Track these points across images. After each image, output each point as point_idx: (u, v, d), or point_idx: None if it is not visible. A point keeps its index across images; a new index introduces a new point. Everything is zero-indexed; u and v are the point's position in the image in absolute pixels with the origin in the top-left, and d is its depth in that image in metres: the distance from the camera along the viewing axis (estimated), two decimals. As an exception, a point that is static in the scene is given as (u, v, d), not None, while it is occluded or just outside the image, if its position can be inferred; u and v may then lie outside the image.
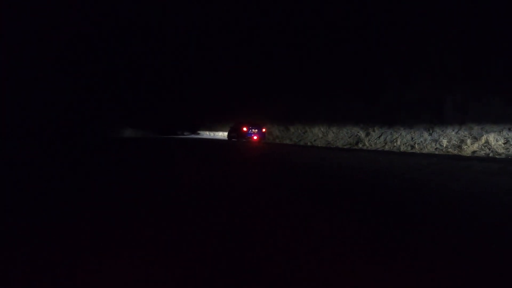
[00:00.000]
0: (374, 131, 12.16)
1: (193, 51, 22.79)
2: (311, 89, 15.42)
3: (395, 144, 10.87)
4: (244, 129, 14.62)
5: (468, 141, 9.19)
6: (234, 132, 15.88)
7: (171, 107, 30.93)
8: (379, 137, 11.76)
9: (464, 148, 9.09)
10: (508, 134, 8.65)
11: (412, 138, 10.67)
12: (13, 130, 14.28)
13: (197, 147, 10.78)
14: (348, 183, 3.38)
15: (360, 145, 12.03)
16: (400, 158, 7.17)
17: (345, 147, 12.32)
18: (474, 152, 8.79)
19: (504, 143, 8.50)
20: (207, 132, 26.63)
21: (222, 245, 1.38)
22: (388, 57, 11.97)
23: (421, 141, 10.31)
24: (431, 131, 10.36)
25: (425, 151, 9.82)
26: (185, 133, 32.64)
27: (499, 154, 8.23)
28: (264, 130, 15.44)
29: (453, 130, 9.84)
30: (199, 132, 28.59)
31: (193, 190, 2.76)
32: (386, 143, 11.21)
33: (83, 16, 17.39)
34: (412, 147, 10.33)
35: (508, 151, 8.22)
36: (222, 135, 24.05)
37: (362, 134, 12.52)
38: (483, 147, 8.74)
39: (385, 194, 2.73)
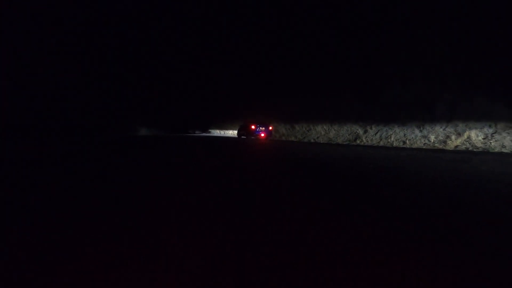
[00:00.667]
0: (371, 128, 13.32)
1: (204, 55, 24.28)
2: (315, 90, 16.66)
3: (389, 140, 12.04)
4: (252, 127, 15.98)
5: (453, 137, 10.31)
6: (243, 130, 17.26)
7: (183, 107, 32.63)
8: (375, 134, 12.93)
9: (448, 143, 10.21)
10: (488, 131, 9.73)
11: (404, 135, 11.82)
12: (50, 128, 16.06)
13: (210, 143, 12.23)
14: (333, 167, 4.71)
15: (358, 141, 13.23)
16: (387, 151, 8.41)
17: (344, 143, 13.53)
18: (456, 146, 9.92)
19: (483, 138, 9.59)
20: (218, 131, 28.14)
21: (240, 196, 2.76)
22: (386, 61, 13.12)
23: (412, 137, 11.46)
24: (421, 128, 11.48)
25: (414, 146, 10.97)
26: (196, 132, 34.24)
27: (477, 148, 9.35)
28: (270, 128, 16.76)
29: (441, 127, 10.95)
30: (210, 130, 30.13)
31: (212, 170, 4.16)
32: (381, 139, 12.38)
33: (107, 29, 19.09)
34: (404, 142, 11.48)
35: (486, 145, 9.32)
36: (232, 133, 25.48)
37: (360, 131, 13.70)
38: (464, 142, 9.85)
39: (356, 172, 4.06)
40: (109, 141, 11.66)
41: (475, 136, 9.84)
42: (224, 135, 24.93)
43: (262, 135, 16.12)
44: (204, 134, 27.46)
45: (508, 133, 9.29)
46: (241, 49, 20.78)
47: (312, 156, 6.23)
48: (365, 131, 13.60)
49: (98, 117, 22.89)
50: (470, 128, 10.19)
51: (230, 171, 3.83)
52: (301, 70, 17.16)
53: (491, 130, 9.77)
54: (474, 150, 9.29)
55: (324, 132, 15.87)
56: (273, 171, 3.85)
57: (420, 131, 11.47)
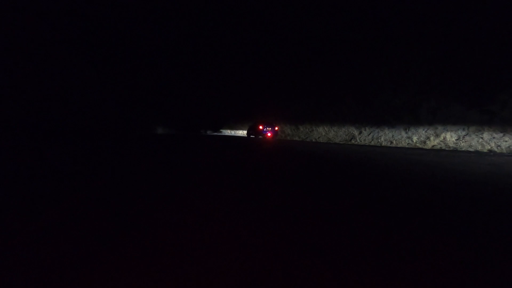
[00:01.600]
0: (365, 130, 15.11)
1: (216, 61, 26.54)
2: (318, 95, 18.57)
3: (379, 140, 13.82)
4: (260, 127, 17.99)
5: (431, 138, 12.03)
6: (252, 130, 19.29)
7: (196, 108, 35.05)
8: (368, 135, 14.72)
9: (427, 143, 11.94)
10: (461, 133, 11.42)
11: (392, 136, 13.57)
12: (84, 128, 18.54)
13: (226, 140, 14.33)
14: (323, 159, 6.68)
15: (353, 141, 15.04)
16: (370, 148, 10.26)
17: (341, 142, 15.37)
18: (433, 145, 11.64)
19: (456, 139, 11.29)
20: (228, 131, 30.27)
21: (251, 176, 4.78)
22: (380, 72, 14.93)
23: (398, 138, 13.21)
24: (407, 130, 13.22)
25: (400, 145, 12.73)
26: (207, 132, 36.52)
27: (449, 147, 11.06)
28: (276, 128, 18.72)
29: (423, 130, 12.67)
30: (221, 130, 32.30)
31: (225, 160, 6.19)
32: (372, 139, 14.17)
33: (131, 36, 21.55)
34: (391, 142, 13.25)
35: (457, 145, 11.02)
36: (242, 133, 27.53)
37: (356, 132, 15.50)
38: (440, 142, 11.57)
39: (334, 160, 6.02)
40: (141, 137, 13.92)
41: (450, 137, 11.55)
42: (235, 135, 27.06)
43: (269, 134, 18.10)
44: (216, 133, 29.66)
45: (477, 135, 10.98)
46: (251, 57, 22.91)
47: (308, 150, 8.19)
48: (360, 132, 15.39)
49: (121, 117, 25.39)
50: (447, 131, 11.90)
51: (246, 157, 5.85)
52: (306, 77, 19.12)
53: (463, 133, 11.46)
54: (446, 149, 11.01)
55: (325, 133, 17.72)
56: (278, 158, 5.85)
57: (406, 132, 13.21)
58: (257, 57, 23.80)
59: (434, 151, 9.76)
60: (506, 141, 10.15)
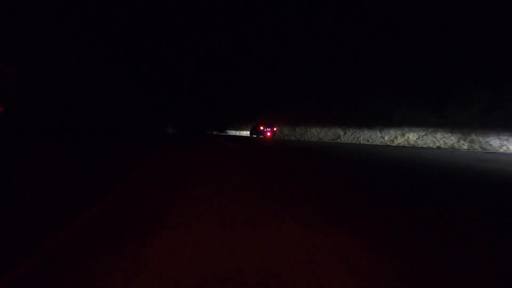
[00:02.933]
0: (349, 131, 17.98)
1: (222, 69, 29.70)
2: (311, 101, 21.51)
3: (359, 139, 16.68)
4: (261, 128, 20.95)
5: (398, 137, 14.87)
6: (254, 130, 22.25)
7: (203, 111, 38.20)
8: (351, 135, 17.59)
9: (394, 141, 14.78)
10: (421, 133, 14.24)
11: (370, 136, 16.43)
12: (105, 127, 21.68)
13: (233, 139, 17.32)
14: (311, 151, 9.65)
15: (338, 140, 17.91)
16: (349, 145, 13.14)
17: (329, 141, 18.24)
18: (399, 143, 14.48)
19: (416, 138, 14.12)
20: (233, 131, 33.27)
21: (252, 164, 7.77)
22: (363, 83, 17.82)
23: (374, 138, 16.06)
24: (381, 131, 16.07)
25: (374, 143, 15.58)
26: (213, 132, 39.60)
27: (410, 145, 13.89)
28: (275, 129, 21.66)
29: (393, 130, 15.51)
30: (226, 131, 35.33)
31: (233, 150, 9.20)
32: (354, 138, 17.04)
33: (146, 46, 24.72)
34: (368, 141, 16.10)
35: (416, 143, 13.85)
36: (245, 133, 30.50)
37: (341, 133, 18.38)
38: (404, 141, 14.40)
39: (315, 151, 8.98)
40: (164, 135, 16.99)
41: (412, 137, 14.39)
42: (239, 135, 30.07)
43: (268, 134, 21.03)
44: (222, 134, 32.69)
45: (432, 135, 13.80)
46: (254, 65, 26.00)
47: (299, 146, 11.12)
48: (345, 133, 18.27)
49: (138, 118, 28.54)
50: (411, 131, 14.74)
51: (252, 149, 8.80)
52: (302, 85, 22.10)
53: (423, 133, 14.30)
54: (407, 146, 13.85)
55: (316, 133, 20.62)
56: (274, 150, 8.79)
57: (380, 133, 16.07)
58: (260, 66, 26.90)
59: (397, 147, 12.61)
60: (451, 140, 12.98)
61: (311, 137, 20.76)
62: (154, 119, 33.11)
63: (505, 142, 11.57)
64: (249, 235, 1.66)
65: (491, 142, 11.91)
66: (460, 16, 13.14)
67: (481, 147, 12.04)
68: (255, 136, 22.31)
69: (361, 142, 16.31)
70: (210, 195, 2.56)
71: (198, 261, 1.34)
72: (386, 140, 15.35)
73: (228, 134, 32.44)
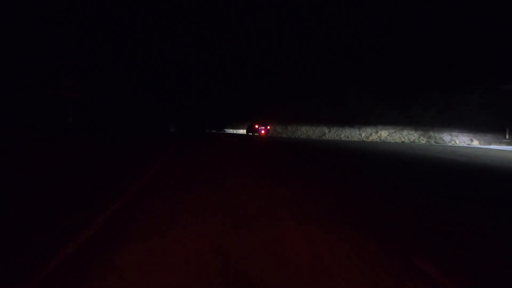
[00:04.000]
0: (333, 129, 20.52)
1: (219, 73, 32.11)
2: (302, 102, 24.05)
3: (340, 136, 19.23)
4: (256, 126, 23.39)
5: (373, 134, 17.43)
6: (250, 129, 24.69)
7: (203, 110, 40.62)
8: (335, 132, 20.13)
9: (369, 137, 17.34)
10: (391, 131, 16.81)
11: (350, 133, 18.98)
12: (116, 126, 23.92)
13: (232, 136, 19.74)
14: (298, 145, 12.17)
15: (323, 137, 20.45)
16: (332, 141, 15.66)
17: (315, 138, 20.77)
18: (372, 139, 17.04)
19: (387, 135, 16.69)
20: (231, 130, 35.71)
21: (248, 154, 10.26)
22: (346, 87, 20.36)
23: (353, 135, 18.61)
24: (359, 129, 18.63)
25: (353, 139, 18.12)
26: (212, 130, 41.95)
27: (381, 140, 16.46)
28: (269, 127, 24.12)
29: (369, 128, 18.08)
30: (224, 129, 37.74)
31: (232, 144, 11.68)
32: (337, 136, 19.58)
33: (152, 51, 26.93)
34: (348, 137, 18.65)
35: (386, 139, 16.42)
36: (242, 132, 32.96)
37: (326, 130, 20.92)
38: (377, 137, 16.97)
39: (301, 144, 11.48)
40: (171, 133, 19.36)
41: (383, 134, 16.97)
42: (236, 133, 32.54)
43: (263, 132, 23.48)
44: (220, 132, 35.09)
45: (400, 132, 16.39)
46: (249, 68, 28.48)
47: (286, 140, 13.59)
48: (329, 131, 20.82)
49: (146, 119, 30.73)
50: (383, 129, 17.32)
51: (249, 143, 11.25)
52: (294, 89, 24.64)
53: (393, 131, 16.88)
54: (379, 141, 16.41)
55: (305, 131, 23.15)
56: (265, 143, 11.23)
57: (358, 131, 18.64)
58: (256, 70, 29.40)
59: (370, 142, 15.15)
60: (414, 136, 15.58)
61: (301, 135, 23.27)
62: (154, 118, 35.38)
63: (454, 138, 14.18)
64: (245, 172, 4.12)
65: (444, 137, 14.52)
66: (421, 36, 15.74)
67: (436, 142, 14.65)
68: (251, 133, 24.75)
69: (342, 139, 18.86)
70: (219, 159, 5.01)
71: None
72: (363, 136, 17.91)
73: (226, 132, 34.88)
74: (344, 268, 1.26)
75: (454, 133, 14.37)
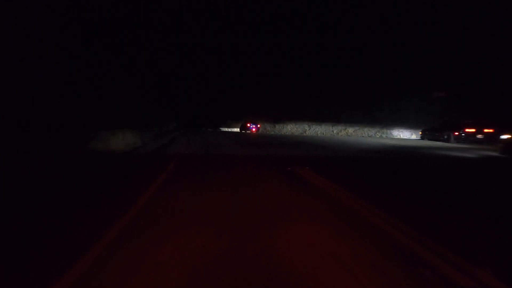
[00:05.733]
0: (312, 126, 24.73)
1: (215, 76, 35.97)
2: (287, 104, 28.20)
3: (317, 132, 23.45)
4: (248, 125, 27.39)
5: (342, 131, 21.69)
6: (243, 127, 28.67)
7: (200, 110, 44.33)
8: (313, 129, 24.34)
9: (340, 133, 21.60)
10: (356, 128, 21.08)
11: (325, 129, 23.21)
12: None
13: (227, 133, 23.69)
14: (276, 138, 16.26)
15: (304, 134, 24.63)
16: (301, 136, 19.79)
17: (297, 134, 24.94)
18: (341, 135, 21.28)
19: (352, 131, 20.98)
20: (225, 128, 39.59)
21: (245, 147, 14.29)
22: (322, 91, 24.60)
23: (328, 131, 22.85)
24: (332, 126, 22.86)
25: (325, 135, 22.33)
26: (208, 129, 45.70)
27: (348, 135, 20.73)
28: (259, 125, 28.13)
29: (340, 126, 22.32)
30: (220, 128, 41.57)
31: (229, 140, 15.70)
32: (314, 132, 23.79)
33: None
34: (323, 133, 22.87)
35: (352, 134, 20.69)
36: (236, 130, 36.90)
37: (307, 128, 25.11)
38: (345, 133, 21.23)
39: (282, 139, 15.56)
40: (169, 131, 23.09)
41: (350, 130, 21.25)
42: (231, 131, 36.45)
43: (254, 129, 27.48)
44: (216, 130, 38.95)
45: (362, 129, 20.68)
46: (242, 73, 32.53)
47: (273, 136, 17.61)
48: (310, 128, 25.02)
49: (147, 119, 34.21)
50: (350, 127, 21.60)
51: (243, 139, 15.22)
52: (280, 92, 28.80)
53: (357, 128, 21.17)
54: (346, 136, 20.66)
55: (290, 129, 27.32)
56: (257, 138, 15.20)
57: (331, 128, 22.88)
58: (247, 74, 33.42)
59: (340, 137, 19.33)
60: (372, 132, 19.90)
61: (286, 132, 27.42)
62: (155, 118, 38.81)
63: (400, 133, 18.56)
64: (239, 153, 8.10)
65: (393, 133, 18.90)
66: (379, 53, 20.08)
67: (387, 136, 19.00)
68: (244, 131, 28.74)
69: (318, 134, 23.09)
70: (223, 146, 8.97)
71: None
72: (334, 133, 22.18)
73: (221, 130, 38.75)
74: (262, 168, 5.28)
75: (400, 130, 18.74)
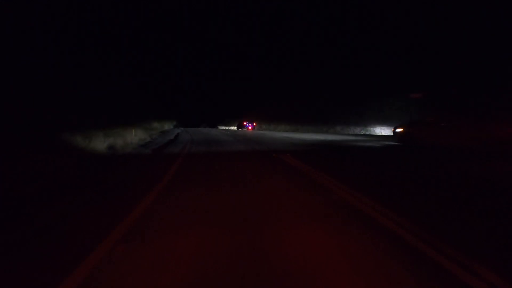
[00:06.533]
0: (303, 126, 26.51)
1: (214, 76, 37.65)
2: (280, 105, 29.97)
3: (308, 131, 25.23)
4: (244, 123, 29.15)
5: (330, 129, 23.47)
6: (239, 125, 30.44)
7: (199, 110, 45.99)
8: (305, 128, 26.12)
9: (329, 131, 23.40)
10: (342, 126, 22.87)
11: (314, 129, 24.98)
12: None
13: (223, 130, 25.43)
14: (269, 136, 18.05)
15: (296, 131, 26.41)
16: (294, 134, 21.57)
17: (289, 132, 26.73)
18: (330, 132, 23.07)
19: (340, 129, 22.76)
20: (223, 126, 41.35)
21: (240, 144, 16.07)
22: (312, 93, 26.39)
23: (318, 130, 24.63)
24: (321, 126, 24.63)
25: (318, 133, 24.13)
26: (206, 127, 47.43)
27: (336, 133, 22.53)
28: (255, 124, 29.92)
29: (329, 125, 24.09)
30: (218, 126, 43.33)
31: (226, 136, 17.47)
32: (305, 130, 25.58)
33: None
34: (314, 132, 24.66)
35: (339, 132, 22.48)
36: (233, 128, 38.66)
37: (299, 127, 26.88)
38: (333, 131, 23.03)
39: (267, 136, 17.35)
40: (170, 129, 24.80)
41: (338, 128, 23.03)
42: (228, 129, 38.20)
43: (250, 128, 29.26)
44: (215, 128, 40.67)
45: (348, 127, 22.46)
46: (239, 76, 34.24)
47: (266, 133, 19.37)
48: (301, 127, 26.81)
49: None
50: (338, 125, 23.39)
51: (239, 135, 16.97)
52: (274, 95, 30.59)
53: (344, 126, 22.96)
54: (334, 133, 22.47)
55: (283, 127, 29.10)
56: (250, 134, 16.96)
57: (321, 126, 24.67)
58: (244, 77, 35.11)
59: (327, 134, 21.13)
60: (357, 130, 21.70)
61: (280, 130, 29.21)
62: (158, 117, 40.48)
63: (382, 130, 20.38)
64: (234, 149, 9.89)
65: (376, 130, 20.72)
66: (364, 58, 21.85)
67: (369, 133, 20.83)
68: (240, 129, 30.51)
69: (309, 132, 24.89)
70: (221, 141, 10.75)
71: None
72: (324, 131, 24.00)
73: (220, 128, 40.47)
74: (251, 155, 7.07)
75: (382, 127, 20.53)
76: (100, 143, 7.08)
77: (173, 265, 1.60)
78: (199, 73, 43.21)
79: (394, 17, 21.62)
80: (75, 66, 15.08)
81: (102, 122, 10.70)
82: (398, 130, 10.98)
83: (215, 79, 41.47)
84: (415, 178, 4.50)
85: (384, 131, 20.35)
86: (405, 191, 3.64)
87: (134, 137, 10.03)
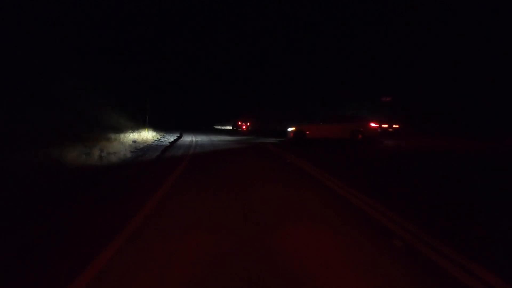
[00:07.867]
0: (288, 124, 29.29)
1: (210, 79, 40.30)
2: (272, 106, 32.76)
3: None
4: (239, 123, 31.85)
5: (315, 128, 26.33)
6: (235, 125, 33.12)
7: (197, 111, 48.66)
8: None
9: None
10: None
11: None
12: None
13: (221, 130, 28.12)
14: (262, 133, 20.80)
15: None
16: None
17: (280, 130, 29.49)
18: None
19: (323, 129, 25.63)
20: (219, 126, 44.03)
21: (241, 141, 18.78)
22: (300, 96, 29.17)
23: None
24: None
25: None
26: (202, 127, 49.98)
27: (318, 132, 25.37)
28: (249, 124, 32.60)
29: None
30: (214, 126, 45.99)
31: (224, 134, 20.19)
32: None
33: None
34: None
35: (322, 131, 25.34)
36: (228, 127, 41.36)
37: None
38: (317, 130, 25.88)
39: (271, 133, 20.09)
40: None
41: (321, 128, 25.90)
42: (224, 128, 40.87)
43: (244, 127, 31.94)
44: (211, 127, 43.31)
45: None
46: (235, 78, 36.96)
47: (260, 132, 22.10)
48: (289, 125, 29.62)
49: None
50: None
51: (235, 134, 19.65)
52: (267, 96, 33.39)
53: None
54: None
55: (274, 126, 31.89)
56: (243, 132, 19.65)
57: (307, 126, 27.50)
58: (239, 79, 37.83)
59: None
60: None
61: (271, 129, 31.98)
62: (158, 118, 42.94)
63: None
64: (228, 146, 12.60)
65: (353, 130, 23.57)
66: (344, 65, 24.66)
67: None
68: (235, 128, 33.22)
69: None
70: (219, 136, 13.46)
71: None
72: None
73: (216, 128, 43.14)
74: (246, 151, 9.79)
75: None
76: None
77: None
78: (199, 75, 45.90)
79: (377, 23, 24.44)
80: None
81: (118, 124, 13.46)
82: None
83: (215, 79, 44.32)
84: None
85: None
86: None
87: (148, 134, 12.71)
